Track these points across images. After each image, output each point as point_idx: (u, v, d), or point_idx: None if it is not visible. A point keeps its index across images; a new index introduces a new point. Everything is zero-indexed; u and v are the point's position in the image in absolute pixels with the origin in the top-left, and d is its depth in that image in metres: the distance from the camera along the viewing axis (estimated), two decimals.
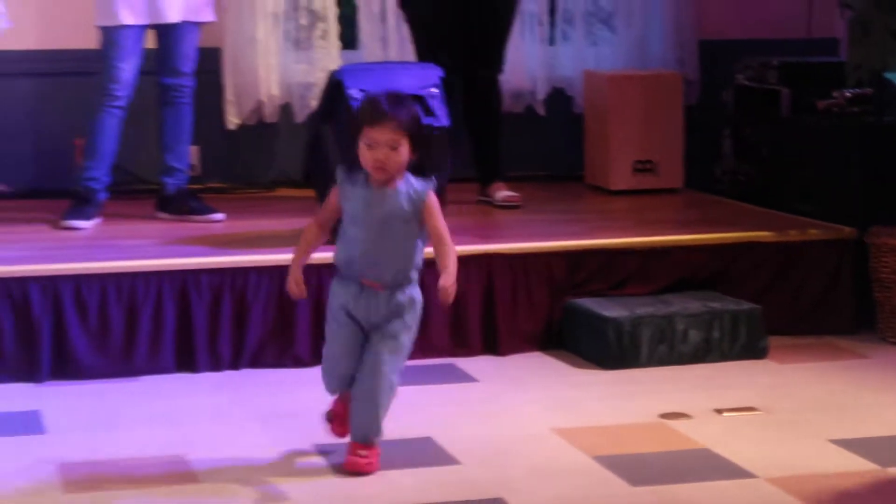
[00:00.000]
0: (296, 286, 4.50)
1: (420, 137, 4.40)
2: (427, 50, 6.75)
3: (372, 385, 4.41)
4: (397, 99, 4.43)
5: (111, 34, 6.29)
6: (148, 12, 6.26)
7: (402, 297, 4.43)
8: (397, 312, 4.43)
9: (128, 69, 6.30)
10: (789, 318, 6.05)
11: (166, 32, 6.41)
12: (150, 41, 6.43)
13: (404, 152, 4.35)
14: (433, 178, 4.44)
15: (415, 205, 4.39)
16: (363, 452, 4.43)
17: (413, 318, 4.47)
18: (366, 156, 4.35)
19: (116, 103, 6.33)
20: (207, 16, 6.47)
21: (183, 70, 6.45)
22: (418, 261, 4.46)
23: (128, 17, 6.24)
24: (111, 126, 6.35)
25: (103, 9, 6.27)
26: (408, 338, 4.47)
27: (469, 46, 6.76)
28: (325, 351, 4.54)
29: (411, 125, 4.37)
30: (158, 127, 6.53)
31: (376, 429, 4.44)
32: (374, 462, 4.44)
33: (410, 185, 4.40)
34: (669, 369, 5.58)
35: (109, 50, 6.31)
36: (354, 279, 4.43)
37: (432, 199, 4.41)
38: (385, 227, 4.39)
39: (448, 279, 4.34)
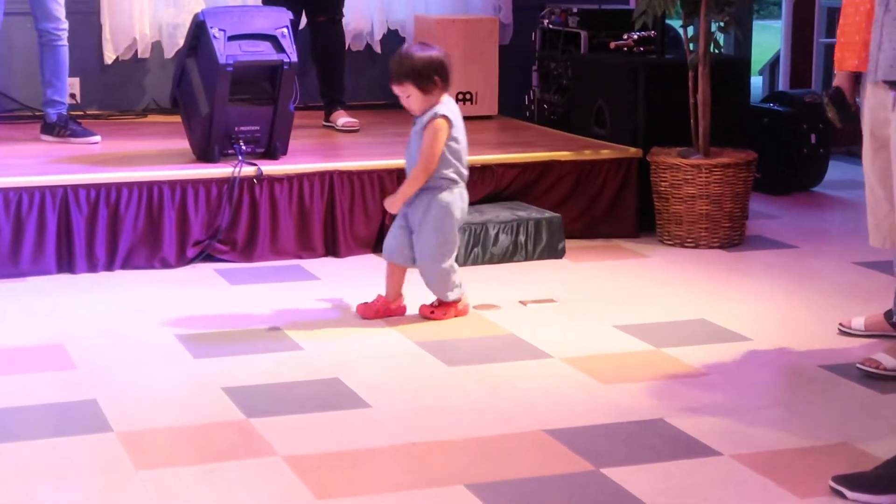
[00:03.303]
0: None
1: (422, 77, 4.69)
2: None
3: None
4: (399, 57, 4.79)
5: None
6: None
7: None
8: None
9: None
10: (583, 224, 6.07)
11: None
12: None
13: (413, 95, 4.71)
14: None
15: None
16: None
17: None
18: None
19: None
20: None
21: (56, 15, 6.18)
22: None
23: None
24: None
25: None
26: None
27: None
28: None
29: (410, 74, 4.70)
30: (39, 66, 6.29)
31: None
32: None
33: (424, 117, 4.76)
34: (483, 268, 5.57)
35: None
36: None
37: (429, 126, 4.73)
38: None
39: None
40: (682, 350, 4.50)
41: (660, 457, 3.59)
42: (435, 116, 4.72)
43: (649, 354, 4.48)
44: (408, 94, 4.73)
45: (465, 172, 4.89)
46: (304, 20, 6.77)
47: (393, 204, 4.83)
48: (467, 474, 3.47)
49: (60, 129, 6.28)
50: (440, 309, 4.86)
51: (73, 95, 6.83)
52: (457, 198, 4.82)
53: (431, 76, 4.71)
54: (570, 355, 4.44)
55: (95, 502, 3.32)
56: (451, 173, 4.79)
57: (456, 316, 4.86)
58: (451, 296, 4.85)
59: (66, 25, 6.23)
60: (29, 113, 6.74)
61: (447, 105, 4.77)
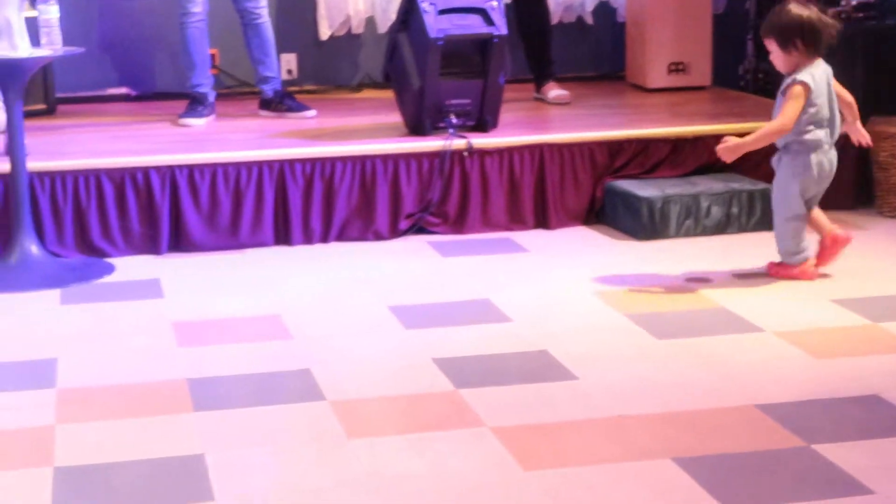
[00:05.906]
0: None
1: (783, 36, 4.75)
2: None
3: None
4: (774, 10, 4.82)
5: None
6: None
7: None
8: None
9: None
10: None
11: None
12: None
13: (775, 52, 4.78)
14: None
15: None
16: None
17: None
18: None
19: (195, 18, 6.26)
20: None
21: None
22: None
23: None
24: (196, 37, 6.28)
25: None
26: None
27: None
28: None
29: (773, 30, 4.75)
30: (246, 45, 6.45)
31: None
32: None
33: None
34: (694, 240, 5.52)
35: None
36: None
37: (786, 91, 4.78)
38: None
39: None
40: None
41: (874, 434, 3.51)
42: (793, 83, 4.77)
43: (866, 329, 4.38)
44: (770, 50, 4.81)
45: (826, 137, 4.85)
46: None
47: (728, 152, 4.85)
48: (675, 448, 3.45)
49: (276, 104, 6.44)
50: (781, 267, 4.93)
51: (289, 71, 6.99)
52: (800, 166, 4.84)
53: (792, 38, 4.74)
54: (783, 329, 4.37)
55: (309, 469, 3.42)
56: (805, 138, 4.81)
57: (795, 278, 4.87)
58: (790, 259, 4.90)
59: (265, 2, 6.36)
60: (247, 89, 6.93)
61: (810, 70, 4.77)
